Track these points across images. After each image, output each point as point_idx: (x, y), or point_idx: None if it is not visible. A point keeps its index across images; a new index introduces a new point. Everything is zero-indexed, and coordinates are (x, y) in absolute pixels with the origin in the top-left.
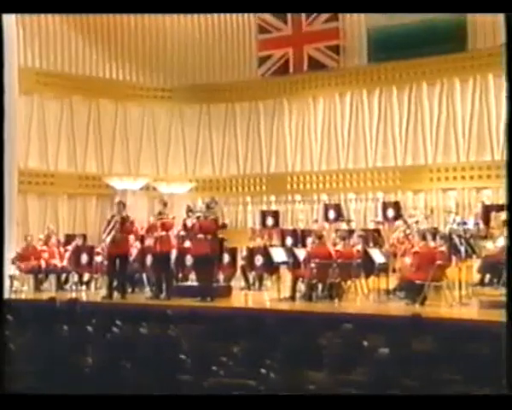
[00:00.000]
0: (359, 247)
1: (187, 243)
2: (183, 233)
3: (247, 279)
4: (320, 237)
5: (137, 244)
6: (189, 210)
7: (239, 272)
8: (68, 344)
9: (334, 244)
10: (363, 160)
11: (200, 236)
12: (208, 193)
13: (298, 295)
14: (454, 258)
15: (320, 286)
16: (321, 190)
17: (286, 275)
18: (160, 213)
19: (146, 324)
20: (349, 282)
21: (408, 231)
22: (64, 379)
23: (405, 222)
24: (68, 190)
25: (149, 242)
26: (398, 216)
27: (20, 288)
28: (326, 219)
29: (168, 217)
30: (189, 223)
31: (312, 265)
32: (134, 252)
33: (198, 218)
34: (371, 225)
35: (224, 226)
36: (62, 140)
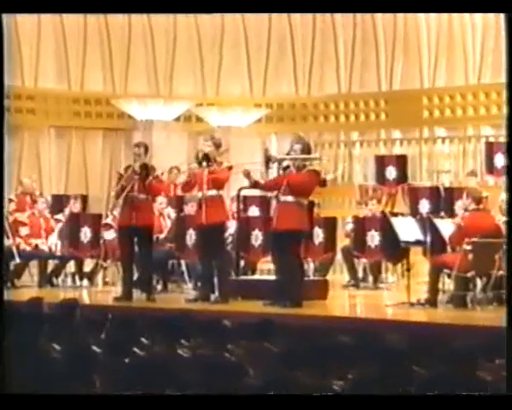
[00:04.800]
0: None
1: (253, 210)
2: (245, 194)
3: (353, 270)
4: (479, 201)
5: (170, 212)
6: (269, 157)
7: (340, 257)
8: (63, 373)
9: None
10: None
11: (288, 198)
12: (288, 126)
13: (442, 296)
14: None
15: (480, 282)
16: (482, 118)
17: (421, 264)
18: (208, 160)
19: (187, 341)
20: None
21: None
22: None
23: None
24: (57, 122)
25: (191, 208)
26: None
27: None
28: (489, 169)
29: (221, 166)
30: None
31: (467, 247)
32: (166, 225)
33: (285, 169)
34: None
35: (323, 184)
36: (45, 38)
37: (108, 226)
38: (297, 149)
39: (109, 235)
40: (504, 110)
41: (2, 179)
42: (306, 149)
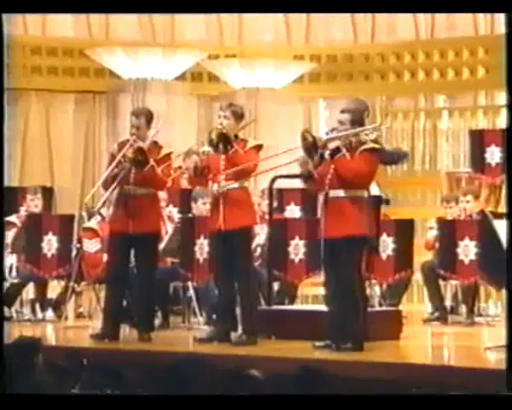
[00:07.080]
0: None
1: (292, 210)
2: (280, 186)
3: (438, 297)
4: None
5: (172, 211)
6: (311, 144)
7: (419, 278)
8: None
9: None
10: None
11: (340, 193)
12: (343, 87)
13: None
14: None
15: None
16: None
17: None
18: (225, 138)
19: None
20: None
21: None
22: None
23: None
24: (9, 82)
25: (202, 206)
26: None
27: None
28: None
29: (245, 145)
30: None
31: None
32: (166, 230)
33: (335, 153)
34: None
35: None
36: None
37: (92, 233)
38: (345, 121)
39: (92, 246)
40: None
41: (2, 178)
42: (358, 119)
